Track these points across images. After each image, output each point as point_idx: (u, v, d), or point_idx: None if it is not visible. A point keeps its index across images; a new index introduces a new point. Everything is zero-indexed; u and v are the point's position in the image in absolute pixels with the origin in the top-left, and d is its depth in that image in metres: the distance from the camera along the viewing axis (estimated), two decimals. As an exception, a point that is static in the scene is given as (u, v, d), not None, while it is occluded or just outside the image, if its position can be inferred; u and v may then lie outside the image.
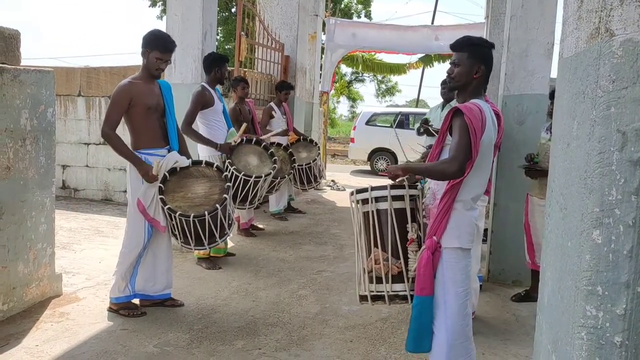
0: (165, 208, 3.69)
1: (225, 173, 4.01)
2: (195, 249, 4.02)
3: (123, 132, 3.66)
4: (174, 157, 3.84)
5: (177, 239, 3.87)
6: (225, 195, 3.85)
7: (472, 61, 2.60)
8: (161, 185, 3.75)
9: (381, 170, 13.87)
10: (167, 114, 3.84)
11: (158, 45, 3.68)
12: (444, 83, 5.76)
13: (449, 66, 2.74)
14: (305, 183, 6.95)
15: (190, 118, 4.78)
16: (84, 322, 3.64)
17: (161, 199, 3.71)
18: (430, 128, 5.80)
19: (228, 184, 3.94)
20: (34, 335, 3.40)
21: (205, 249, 4.01)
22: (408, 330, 2.59)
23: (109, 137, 3.64)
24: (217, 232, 3.84)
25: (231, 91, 7.05)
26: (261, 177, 4.99)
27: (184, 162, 3.90)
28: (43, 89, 3.81)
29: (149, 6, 24.91)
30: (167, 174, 3.78)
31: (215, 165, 4.01)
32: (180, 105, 5.01)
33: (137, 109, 3.67)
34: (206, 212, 3.71)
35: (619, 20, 1.41)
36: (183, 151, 4.00)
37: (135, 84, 3.69)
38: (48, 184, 3.93)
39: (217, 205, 3.77)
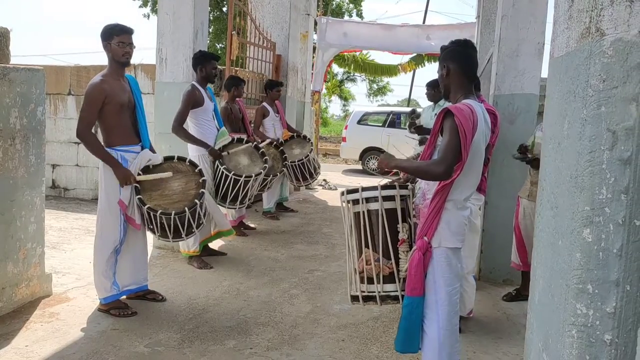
0: (145, 208, 3.71)
1: (199, 167, 4.07)
2: (173, 240, 4.04)
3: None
4: (146, 156, 3.85)
5: (154, 233, 3.91)
6: (202, 190, 3.91)
7: (440, 65, 2.69)
8: (137, 185, 3.76)
9: (374, 169, 13.88)
10: (138, 110, 3.82)
11: (114, 31, 3.63)
12: (429, 85, 5.80)
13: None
14: (301, 179, 6.94)
15: (180, 118, 4.76)
16: (74, 323, 3.62)
17: (139, 199, 3.73)
18: (420, 124, 5.84)
19: (204, 177, 4.00)
20: (24, 335, 3.38)
21: (183, 239, 4.11)
22: (398, 329, 2.59)
23: (86, 139, 3.62)
24: (194, 223, 3.94)
25: (223, 90, 7.03)
26: (251, 176, 4.98)
27: (157, 159, 3.93)
28: (33, 87, 3.78)
29: (140, 6, 24.81)
30: (141, 173, 3.80)
31: (187, 160, 4.07)
32: (171, 105, 5.01)
33: (111, 106, 3.63)
34: (186, 208, 3.79)
35: (609, 20, 1.42)
36: (150, 147, 4.01)
37: (107, 81, 3.63)
38: (38, 183, 3.90)
39: (197, 201, 3.85)
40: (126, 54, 3.66)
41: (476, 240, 4.08)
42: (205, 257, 5.06)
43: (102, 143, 3.73)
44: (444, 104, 5.63)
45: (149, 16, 24.66)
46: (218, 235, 5.11)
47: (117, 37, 3.63)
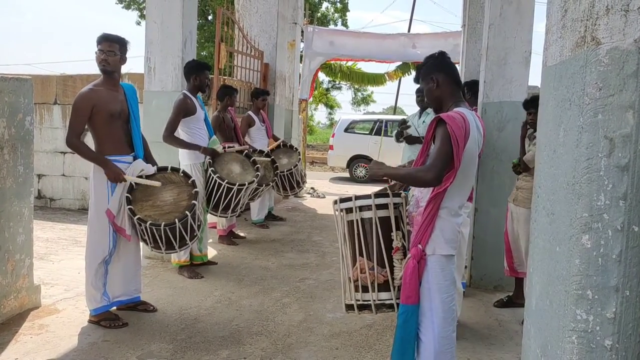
0: (135, 219, 3.68)
1: (192, 178, 4.02)
2: (166, 252, 4.02)
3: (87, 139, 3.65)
4: (139, 166, 3.83)
5: (147, 244, 3.88)
6: (194, 202, 3.87)
7: (426, 79, 2.70)
8: (128, 195, 3.74)
9: (362, 177, 13.90)
10: (132, 120, 3.82)
11: (97, 39, 3.69)
12: (418, 91, 5.81)
13: None
14: (288, 189, 6.94)
15: (172, 126, 4.74)
16: (64, 334, 3.57)
17: (130, 209, 3.70)
18: (410, 133, 5.84)
19: (196, 189, 3.95)
20: (13, 348, 3.32)
21: (176, 251, 4.08)
22: (394, 340, 2.59)
23: (75, 145, 3.63)
24: (187, 235, 3.89)
25: (211, 99, 7.02)
26: (244, 185, 4.97)
27: (150, 169, 3.89)
28: (21, 97, 3.75)
29: (122, 7, 24.78)
30: (133, 184, 3.77)
31: (181, 171, 4.04)
32: (160, 113, 4.99)
33: (100, 116, 3.63)
34: (177, 220, 3.74)
35: (605, 29, 1.44)
36: (148, 158, 4.00)
37: (97, 90, 3.65)
38: (26, 193, 3.85)
39: (187, 212, 3.80)
40: (102, 62, 3.66)
41: (463, 248, 4.10)
42: (195, 266, 5.03)
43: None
44: (418, 114, 5.74)
45: (140, 23, 24.69)
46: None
47: (97, 45, 3.67)
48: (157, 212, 3.80)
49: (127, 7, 24.65)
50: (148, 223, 3.67)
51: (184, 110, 4.77)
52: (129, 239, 3.80)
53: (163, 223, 3.70)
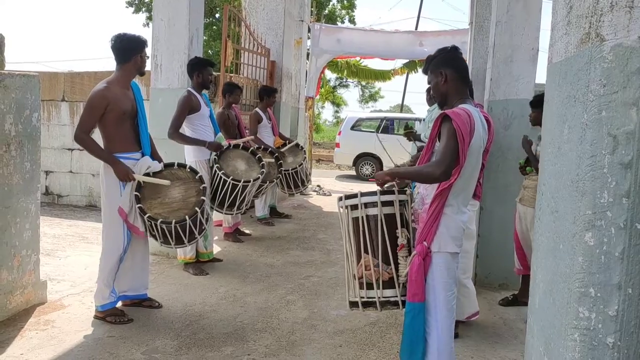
0: (145, 217, 3.69)
1: (199, 174, 4.01)
2: (175, 247, 4.02)
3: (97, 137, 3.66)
4: (146, 163, 3.83)
5: (156, 239, 3.88)
6: (203, 197, 3.86)
7: (435, 73, 2.69)
8: (137, 193, 3.73)
9: (368, 175, 13.89)
10: (140, 118, 3.83)
11: (143, 44, 3.75)
12: (429, 90, 5.82)
13: None
14: (293, 187, 6.95)
15: (176, 123, 4.74)
16: (70, 330, 3.59)
17: (139, 207, 3.70)
18: (410, 130, 5.89)
19: (204, 184, 3.95)
20: (19, 343, 3.35)
21: (186, 246, 4.07)
22: (402, 339, 2.58)
23: (84, 141, 3.62)
24: (196, 230, 3.89)
25: (217, 96, 7.03)
26: (249, 181, 4.97)
27: (157, 166, 3.90)
28: (28, 93, 3.77)
29: (133, 12, 24.88)
30: (141, 181, 3.77)
31: (187, 166, 4.03)
32: (166, 111, 5.00)
33: (113, 114, 3.64)
34: (187, 217, 3.73)
35: (609, 26, 1.43)
36: (154, 155, 4.00)
37: (112, 88, 3.65)
38: (33, 189, 3.87)
39: (197, 209, 3.79)
40: (144, 66, 3.82)
41: (471, 245, 4.09)
42: (201, 263, 5.05)
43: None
44: (434, 109, 5.69)
45: (148, 24, 24.78)
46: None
47: (143, 50, 3.75)
48: (166, 209, 3.80)
49: (137, 10, 24.72)
50: (159, 221, 3.67)
51: (188, 106, 4.78)
52: (142, 235, 3.83)
53: (174, 220, 3.70)
